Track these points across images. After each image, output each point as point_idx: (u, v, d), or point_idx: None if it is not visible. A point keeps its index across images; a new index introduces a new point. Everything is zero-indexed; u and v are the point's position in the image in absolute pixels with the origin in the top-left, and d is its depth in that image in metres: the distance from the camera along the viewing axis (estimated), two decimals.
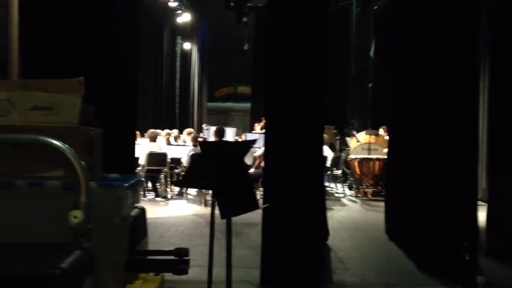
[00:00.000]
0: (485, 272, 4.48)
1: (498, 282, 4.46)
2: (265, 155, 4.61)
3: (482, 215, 5.50)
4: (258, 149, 8.44)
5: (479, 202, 7.82)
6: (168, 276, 2.88)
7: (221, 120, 20.27)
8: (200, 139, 10.56)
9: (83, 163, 1.70)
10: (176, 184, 9.22)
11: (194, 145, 9.12)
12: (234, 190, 2.88)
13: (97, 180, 1.91)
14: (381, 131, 10.52)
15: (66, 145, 1.72)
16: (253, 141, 4.06)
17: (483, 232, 5.30)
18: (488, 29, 6.77)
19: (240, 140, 11.21)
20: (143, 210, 2.53)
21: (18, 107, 1.87)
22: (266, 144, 4.59)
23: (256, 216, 4.28)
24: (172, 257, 2.20)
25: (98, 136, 2.06)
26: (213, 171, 2.69)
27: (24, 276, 1.16)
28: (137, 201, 2.13)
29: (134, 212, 2.39)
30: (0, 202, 1.77)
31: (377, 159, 9.39)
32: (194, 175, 3.09)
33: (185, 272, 2.14)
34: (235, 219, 7.01)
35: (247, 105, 19.66)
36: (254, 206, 3.12)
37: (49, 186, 1.77)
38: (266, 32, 4.67)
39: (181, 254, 2.18)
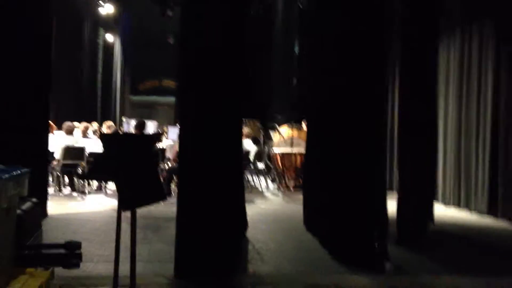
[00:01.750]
0: (394, 258, 4.70)
1: (406, 268, 4.67)
2: (179, 148, 4.53)
3: (393, 205, 5.76)
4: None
5: (392, 192, 8.18)
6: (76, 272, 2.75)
7: (145, 114, 19.78)
8: (120, 133, 10.26)
9: None
10: (80, 177, 8.89)
11: None
12: (137, 182, 2.79)
13: None
14: (303, 125, 10.72)
15: None
16: (160, 134, 3.95)
17: (394, 221, 5.53)
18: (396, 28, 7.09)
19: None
20: (35, 203, 2.39)
21: None
22: (180, 137, 4.52)
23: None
24: (62, 251, 2.09)
25: None
26: (113, 164, 2.59)
27: None
28: (23, 193, 2.00)
29: (24, 205, 2.25)
30: None
31: (299, 153, 9.56)
32: (97, 168, 2.98)
33: (76, 266, 2.03)
34: (155, 213, 6.92)
35: (172, 98, 19.39)
36: (160, 197, 3.05)
37: None
38: (179, 24, 4.59)
39: (73, 248, 2.07)
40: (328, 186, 5.18)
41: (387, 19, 5.26)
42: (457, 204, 8.14)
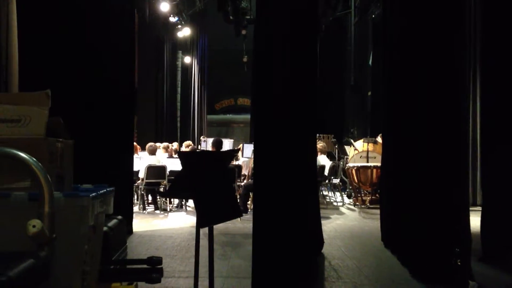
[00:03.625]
0: (479, 277, 4.47)
1: (490, 286, 4.44)
2: (255, 165, 4.62)
3: (478, 220, 5.50)
4: None
5: (476, 207, 7.80)
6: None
7: (222, 132, 20.32)
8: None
9: (48, 174, 1.72)
10: (161, 195, 9.28)
11: None
12: (213, 199, 2.89)
13: (66, 190, 1.94)
14: (379, 139, 10.53)
15: (31, 157, 1.74)
16: (236, 150, 4.06)
17: (478, 237, 5.28)
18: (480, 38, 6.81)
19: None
20: (121, 221, 2.56)
21: None
22: (256, 154, 4.61)
23: None
24: (145, 266, 2.21)
25: (67, 147, 2.09)
26: (192, 181, 2.71)
27: None
28: (109, 211, 2.15)
29: (110, 222, 2.42)
30: None
31: (375, 167, 9.38)
32: (177, 186, 3.12)
33: (158, 280, 2.15)
34: (232, 230, 7.05)
35: (247, 116, 19.75)
36: (236, 214, 3.14)
37: (15, 197, 1.80)
38: (253, 43, 4.71)
39: (154, 263, 2.19)
40: (406, 201, 5.04)
41: (465, 24, 5.08)
42: None
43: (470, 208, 4.99)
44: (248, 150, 9.83)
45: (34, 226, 1.54)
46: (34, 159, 1.74)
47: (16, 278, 1.26)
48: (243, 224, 7.37)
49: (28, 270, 1.36)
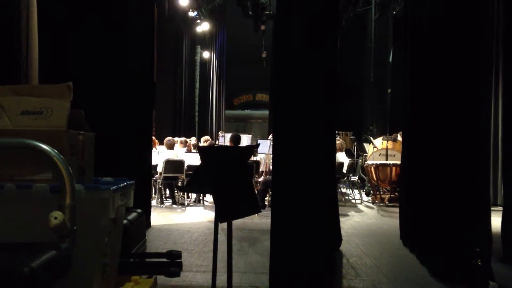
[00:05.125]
0: (499, 277, 4.39)
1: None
2: (273, 161, 4.60)
3: (498, 220, 5.41)
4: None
5: (497, 207, 7.67)
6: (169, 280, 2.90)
7: (240, 128, 20.34)
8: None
9: (69, 166, 1.73)
10: (179, 189, 9.32)
11: None
12: (233, 194, 2.88)
13: (87, 183, 1.94)
14: (399, 137, 10.42)
15: (53, 149, 1.75)
16: (256, 146, 4.05)
17: (499, 237, 5.20)
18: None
19: None
20: (140, 214, 2.56)
21: (9, 112, 1.92)
22: (274, 150, 4.59)
23: None
24: (164, 260, 2.21)
25: (89, 140, 2.10)
26: (211, 176, 2.70)
27: None
28: (129, 204, 2.15)
29: (130, 215, 2.42)
30: None
31: (394, 164, 9.29)
32: (196, 181, 3.12)
33: (177, 274, 2.14)
34: (250, 225, 7.04)
35: (266, 112, 19.73)
36: (255, 209, 3.13)
37: (37, 189, 1.81)
38: (272, 38, 4.69)
39: (173, 257, 2.19)
40: (426, 199, 4.98)
41: (487, 19, 4.97)
42: None
43: (491, 208, 4.89)
44: (263, 146, 9.82)
45: (56, 218, 1.55)
46: (56, 151, 1.75)
47: (39, 269, 1.27)
48: (261, 219, 7.36)
49: (50, 261, 1.37)
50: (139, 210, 2.58)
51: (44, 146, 1.73)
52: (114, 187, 1.94)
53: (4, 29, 5.14)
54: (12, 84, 2.13)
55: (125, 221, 2.29)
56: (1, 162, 1.83)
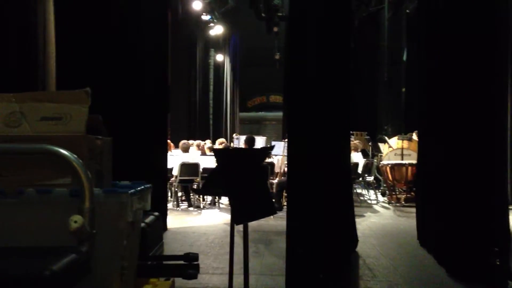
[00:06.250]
0: None
1: None
2: (288, 162, 4.62)
3: None
4: None
5: None
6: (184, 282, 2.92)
7: (254, 130, 20.35)
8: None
9: (88, 170, 1.76)
10: (195, 192, 9.37)
11: None
12: (248, 196, 2.90)
13: (105, 187, 1.97)
14: (415, 136, 10.34)
15: (72, 154, 1.78)
16: (271, 148, 4.07)
17: None
18: None
19: None
20: (157, 217, 2.59)
21: (29, 118, 1.96)
22: (289, 151, 4.60)
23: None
24: (182, 262, 2.24)
25: (106, 144, 2.13)
26: (226, 178, 2.72)
27: (14, 277, 1.23)
28: (146, 207, 2.18)
29: (147, 218, 2.45)
30: (10, 208, 1.85)
31: (410, 164, 9.24)
32: (211, 183, 3.14)
33: (194, 276, 2.16)
34: (265, 227, 7.05)
35: (280, 113, 19.74)
36: (270, 211, 3.14)
37: (56, 193, 1.84)
38: (286, 39, 4.71)
39: (191, 259, 2.22)
40: (443, 199, 4.94)
41: (505, 16, 4.92)
42: None
43: (510, 207, 4.84)
44: (277, 147, 9.83)
45: (75, 222, 1.58)
46: (75, 156, 1.78)
47: (60, 272, 1.30)
48: (276, 221, 7.37)
49: (70, 264, 1.39)
50: (156, 213, 2.60)
51: (64, 151, 1.77)
52: (132, 191, 1.96)
53: (21, 37, 5.22)
54: (30, 91, 2.17)
55: (142, 224, 2.31)
56: (22, 167, 1.87)
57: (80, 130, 1.94)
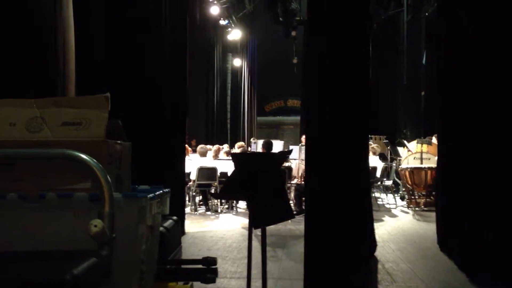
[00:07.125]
0: None
1: None
2: (306, 166, 4.60)
3: None
4: None
5: None
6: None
7: (272, 134, 20.37)
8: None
9: (108, 175, 1.78)
10: (213, 196, 9.39)
11: None
12: (266, 200, 2.90)
13: (124, 191, 1.99)
14: (434, 140, 10.23)
15: (92, 158, 1.80)
16: (289, 152, 4.06)
17: None
18: None
19: None
20: (176, 221, 2.60)
21: (50, 124, 1.99)
22: (307, 155, 4.59)
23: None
24: (200, 266, 2.25)
25: (126, 149, 2.15)
26: (245, 182, 2.73)
27: (36, 280, 1.25)
28: (165, 212, 2.20)
29: (166, 222, 2.46)
30: (32, 213, 1.87)
31: (429, 168, 9.13)
32: (229, 187, 3.15)
33: (212, 281, 2.17)
34: (283, 231, 7.04)
35: (298, 118, 19.71)
36: (288, 215, 3.13)
37: (77, 198, 1.86)
38: (304, 43, 4.71)
39: (209, 263, 2.22)
40: (464, 203, 4.88)
41: None
42: None
43: None
44: (294, 151, 9.79)
45: (96, 226, 1.59)
46: (95, 160, 1.80)
47: (81, 276, 1.31)
48: (294, 225, 7.35)
49: (91, 268, 1.41)
50: (174, 218, 2.62)
51: (84, 156, 1.79)
52: (151, 195, 1.98)
53: (42, 44, 5.30)
54: (50, 97, 2.21)
55: (161, 228, 2.33)
56: (43, 172, 1.90)
57: (100, 135, 1.96)
